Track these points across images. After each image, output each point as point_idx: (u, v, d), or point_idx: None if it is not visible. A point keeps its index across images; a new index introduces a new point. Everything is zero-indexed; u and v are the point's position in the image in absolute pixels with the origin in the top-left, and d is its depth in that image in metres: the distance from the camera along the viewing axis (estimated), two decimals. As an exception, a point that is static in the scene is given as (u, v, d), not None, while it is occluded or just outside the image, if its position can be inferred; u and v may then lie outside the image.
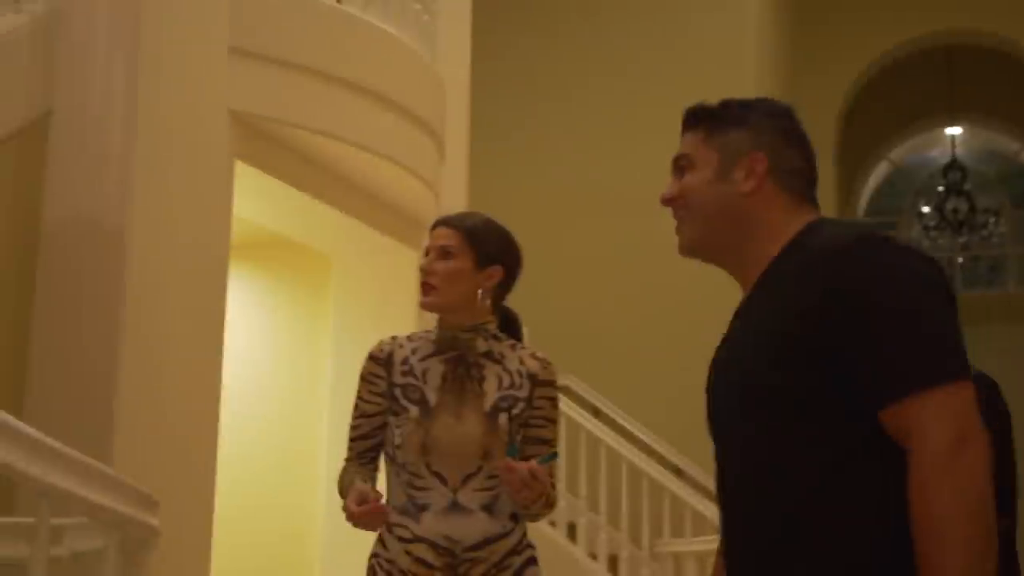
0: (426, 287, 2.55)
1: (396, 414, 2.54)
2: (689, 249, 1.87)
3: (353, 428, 2.62)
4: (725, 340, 1.85)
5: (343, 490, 2.51)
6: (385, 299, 5.84)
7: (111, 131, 4.10)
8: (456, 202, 5.82)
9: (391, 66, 5.13)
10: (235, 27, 4.42)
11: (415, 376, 2.55)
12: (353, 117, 4.93)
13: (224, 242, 4.44)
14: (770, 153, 1.82)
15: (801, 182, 1.84)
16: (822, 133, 11.64)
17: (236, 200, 4.54)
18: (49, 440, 2.67)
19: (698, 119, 1.87)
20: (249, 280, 5.79)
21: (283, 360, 6.13)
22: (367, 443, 2.61)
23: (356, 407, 2.62)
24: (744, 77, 8.58)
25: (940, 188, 12.42)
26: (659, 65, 8.39)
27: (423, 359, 2.56)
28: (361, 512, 2.36)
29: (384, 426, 2.58)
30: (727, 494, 1.79)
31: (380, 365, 2.58)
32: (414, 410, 2.51)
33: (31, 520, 2.70)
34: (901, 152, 13.68)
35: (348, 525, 2.48)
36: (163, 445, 4.05)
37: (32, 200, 4.03)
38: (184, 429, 4.20)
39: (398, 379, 2.55)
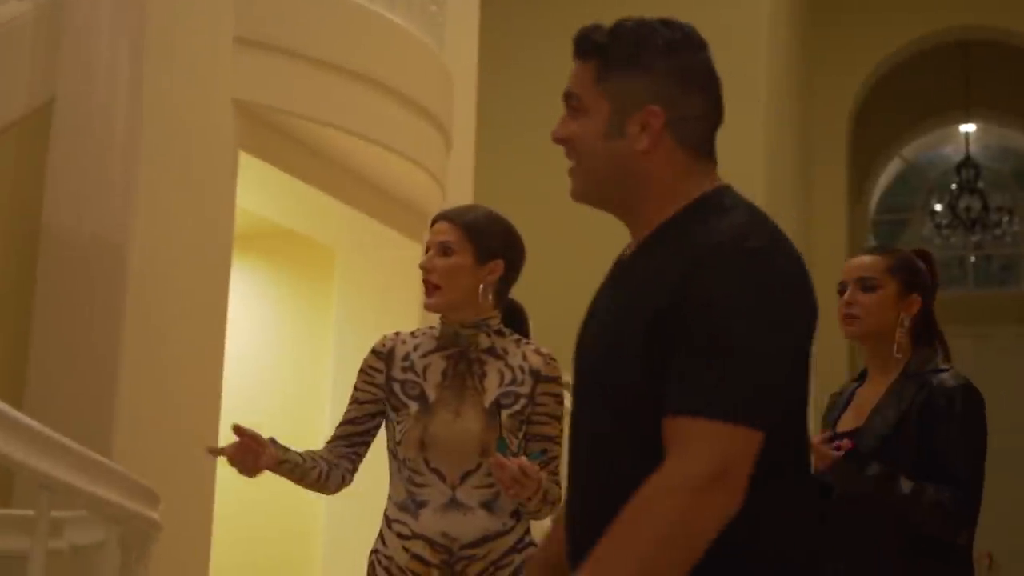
0: (428, 286, 2.53)
1: (396, 410, 2.53)
2: (581, 197, 1.80)
3: (343, 415, 2.63)
4: (598, 298, 1.82)
5: None
6: (389, 292, 5.87)
7: (115, 119, 4.08)
8: (462, 196, 5.84)
9: (398, 57, 5.15)
10: (241, 16, 4.44)
11: (415, 372, 2.53)
12: (359, 108, 4.95)
13: (227, 233, 4.47)
14: (667, 104, 1.70)
15: (702, 129, 1.74)
16: (834, 130, 11.67)
17: (240, 191, 4.56)
18: (49, 432, 2.66)
19: (587, 53, 1.74)
20: (252, 272, 5.83)
21: (285, 353, 6.17)
22: (349, 428, 2.61)
23: (351, 396, 2.63)
24: (757, 76, 8.65)
25: (953, 186, 12.42)
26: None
27: (424, 355, 2.55)
28: (227, 447, 2.43)
29: (375, 416, 2.59)
30: (576, 460, 1.76)
31: (380, 359, 2.57)
32: (413, 406, 2.50)
33: (30, 512, 2.71)
34: (914, 149, 13.69)
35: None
36: (164, 438, 4.05)
37: (34, 188, 4.04)
38: (185, 422, 4.20)
39: (398, 374, 2.54)
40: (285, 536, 5.78)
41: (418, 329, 2.65)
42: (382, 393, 2.55)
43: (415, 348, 2.56)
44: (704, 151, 1.74)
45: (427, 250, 2.57)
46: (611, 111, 1.70)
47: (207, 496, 4.23)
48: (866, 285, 2.70)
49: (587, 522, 1.68)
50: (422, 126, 5.35)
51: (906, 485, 2.53)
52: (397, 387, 2.52)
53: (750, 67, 8.52)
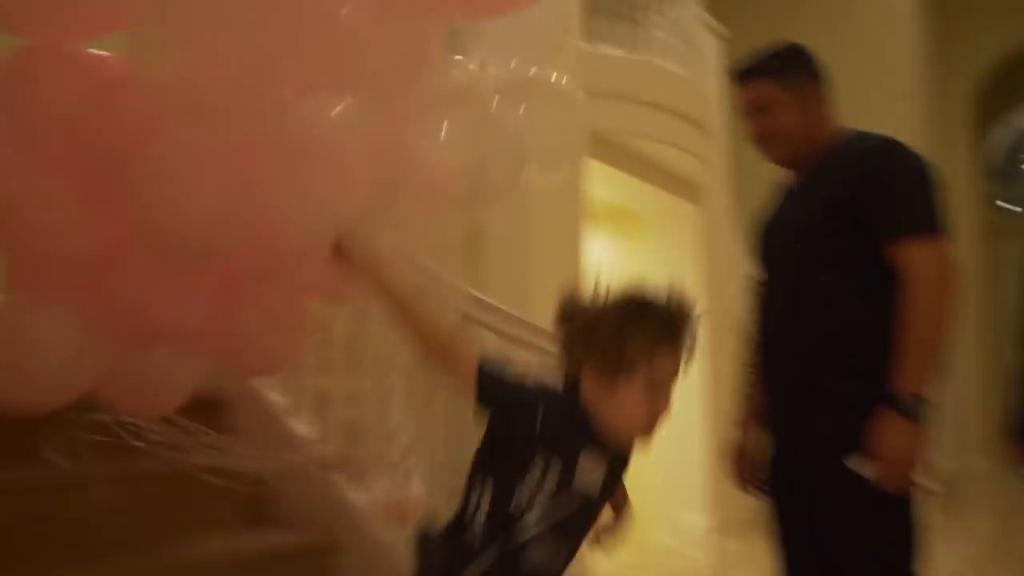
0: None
1: None
2: (782, 161, 2.37)
3: None
4: (777, 213, 2.40)
5: None
6: (676, 237, 7.17)
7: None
8: (720, 170, 7.22)
9: (671, 89, 6.50)
10: (587, 77, 5.81)
11: None
12: (653, 123, 6.33)
13: (582, 208, 5.69)
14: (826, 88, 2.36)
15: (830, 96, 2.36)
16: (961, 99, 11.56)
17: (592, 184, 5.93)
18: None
19: (764, 73, 2.38)
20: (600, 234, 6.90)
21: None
22: None
23: None
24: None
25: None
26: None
27: None
28: None
29: None
30: (770, 307, 2.32)
31: None
32: None
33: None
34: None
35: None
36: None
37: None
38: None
39: None
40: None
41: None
42: None
43: None
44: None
45: None
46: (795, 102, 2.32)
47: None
48: None
49: (795, 344, 2.18)
50: (689, 128, 6.62)
51: None
52: None
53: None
